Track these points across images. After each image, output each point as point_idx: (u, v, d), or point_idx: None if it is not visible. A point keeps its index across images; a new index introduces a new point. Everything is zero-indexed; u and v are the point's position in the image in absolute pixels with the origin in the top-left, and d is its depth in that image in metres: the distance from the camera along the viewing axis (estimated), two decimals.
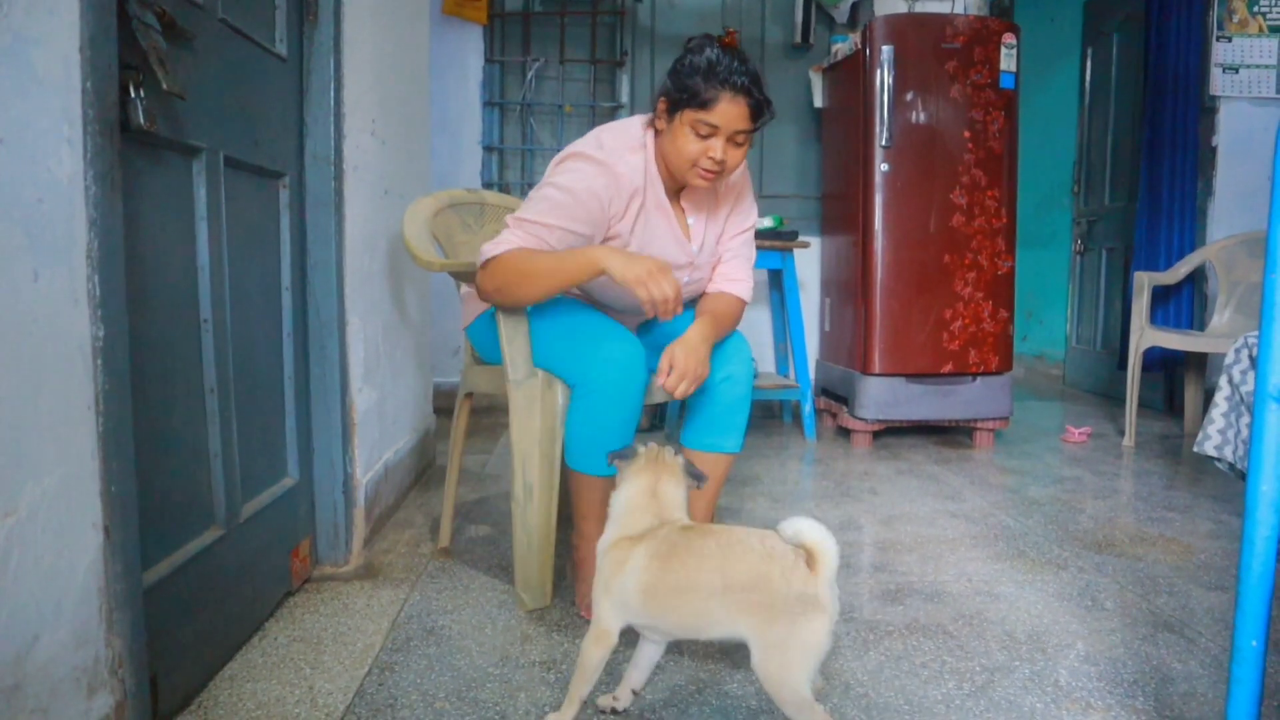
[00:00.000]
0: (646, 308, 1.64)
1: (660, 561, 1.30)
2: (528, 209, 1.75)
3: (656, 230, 1.85)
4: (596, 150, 1.79)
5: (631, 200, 1.80)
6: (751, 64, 1.74)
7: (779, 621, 1.20)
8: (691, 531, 1.35)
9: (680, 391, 1.74)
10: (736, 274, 1.99)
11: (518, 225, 1.73)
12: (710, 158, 1.74)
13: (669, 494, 1.41)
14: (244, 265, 1.63)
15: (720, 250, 1.98)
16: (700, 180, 1.79)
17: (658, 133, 1.82)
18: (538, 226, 1.72)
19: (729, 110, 1.71)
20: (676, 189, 1.88)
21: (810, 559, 1.20)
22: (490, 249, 1.72)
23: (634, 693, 1.44)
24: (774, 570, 1.21)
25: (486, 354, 2.02)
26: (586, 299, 1.91)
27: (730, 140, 1.74)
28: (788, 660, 1.19)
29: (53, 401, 1.01)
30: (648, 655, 1.43)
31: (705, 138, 1.73)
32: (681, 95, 1.72)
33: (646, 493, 1.41)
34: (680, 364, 1.74)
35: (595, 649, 1.33)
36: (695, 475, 1.48)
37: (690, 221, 1.91)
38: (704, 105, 1.71)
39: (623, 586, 1.32)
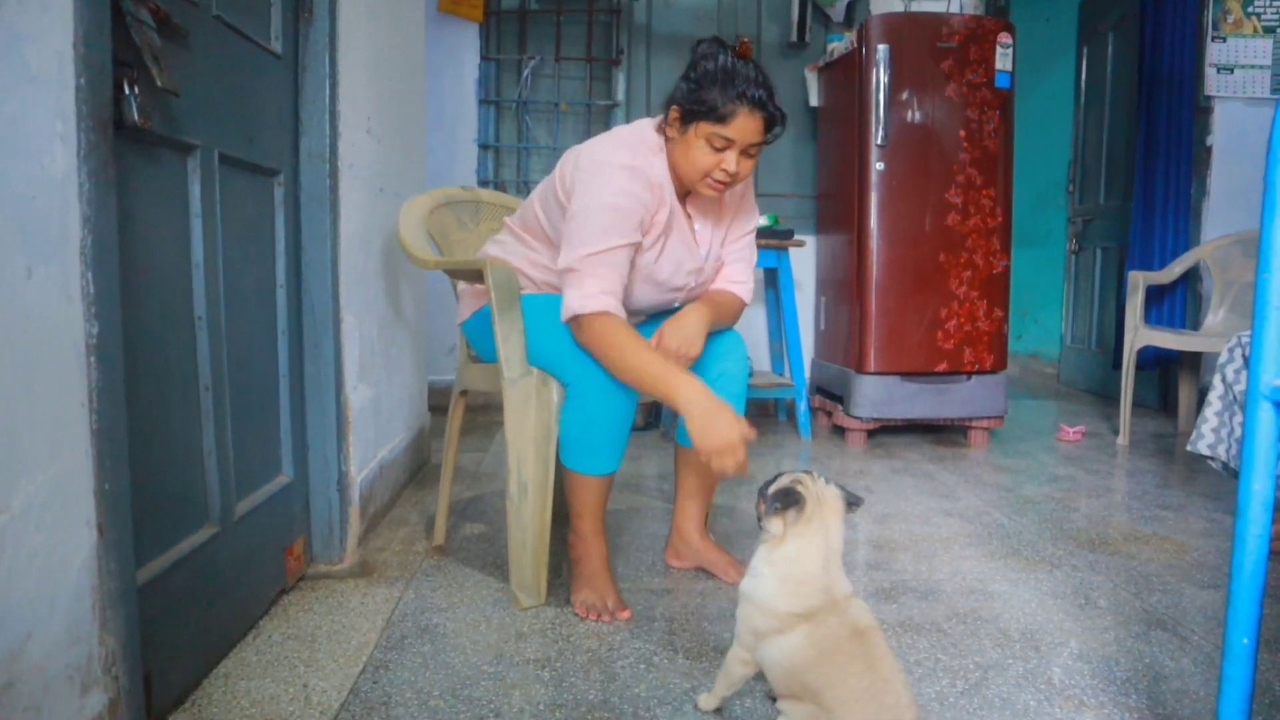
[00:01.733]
0: (714, 470, 1.62)
1: (816, 654, 1.24)
2: (585, 237, 1.70)
3: (674, 238, 1.85)
4: (630, 157, 1.75)
5: (660, 208, 1.80)
6: (766, 75, 1.73)
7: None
8: (859, 640, 1.24)
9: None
10: (739, 276, 2.00)
11: (586, 264, 1.69)
12: (723, 169, 1.73)
13: (837, 549, 1.30)
14: (238, 263, 1.63)
15: (724, 253, 1.98)
16: (710, 191, 1.79)
17: (667, 139, 1.80)
18: (604, 255, 1.70)
19: (745, 124, 1.70)
20: (683, 194, 1.88)
21: None
22: (579, 303, 1.69)
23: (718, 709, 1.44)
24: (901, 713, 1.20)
25: (482, 350, 2.02)
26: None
27: (743, 152, 1.74)
28: None
29: (46, 399, 1.01)
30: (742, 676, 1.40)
31: (720, 150, 1.72)
32: (697, 107, 1.70)
33: (820, 559, 1.29)
34: (666, 340, 1.77)
35: (740, 669, 1.35)
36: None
37: (697, 227, 1.90)
38: (721, 119, 1.69)
39: (771, 648, 1.28)
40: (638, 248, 1.77)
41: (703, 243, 1.91)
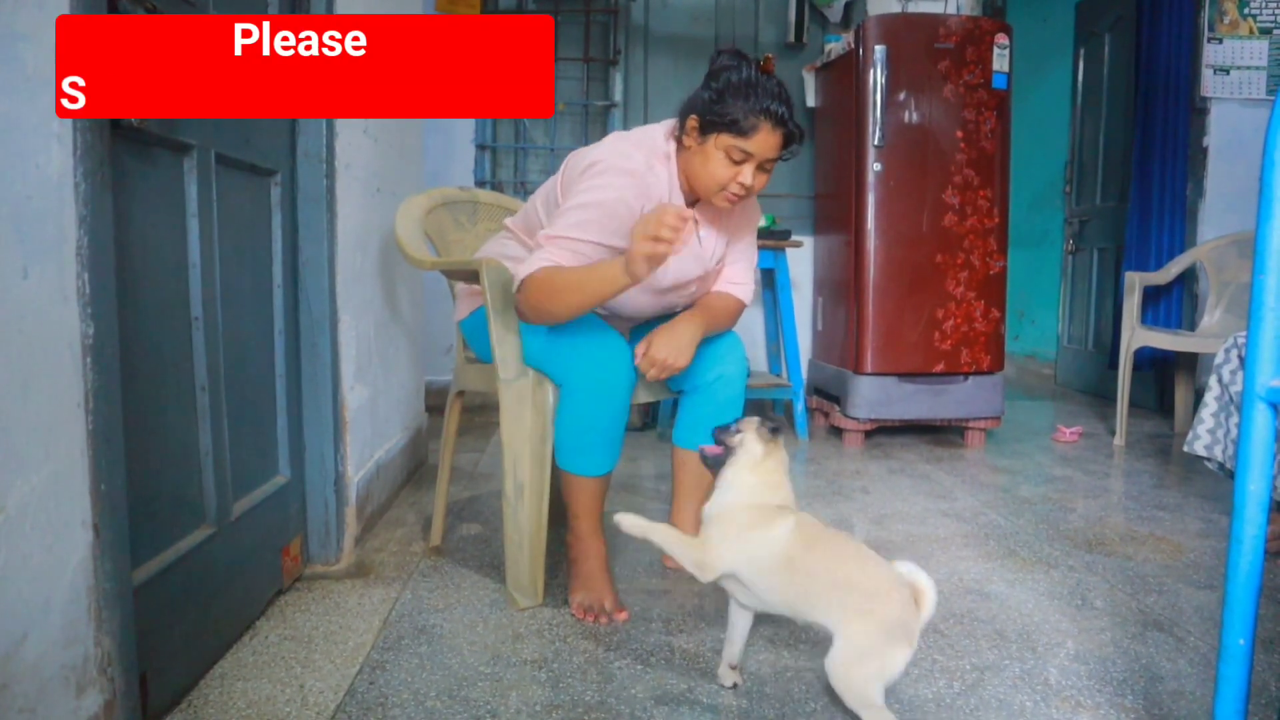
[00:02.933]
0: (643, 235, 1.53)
1: (805, 541, 1.41)
2: (559, 224, 1.72)
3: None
4: (625, 160, 1.75)
5: (635, 203, 1.79)
6: (787, 91, 1.73)
7: (874, 634, 1.31)
8: (832, 529, 1.47)
9: (650, 376, 1.76)
10: (739, 278, 1.99)
11: (549, 242, 1.70)
12: (740, 183, 1.73)
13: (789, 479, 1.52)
14: (235, 263, 1.63)
15: (726, 254, 1.98)
16: (724, 203, 1.79)
17: (682, 147, 1.79)
18: (570, 241, 1.70)
19: (766, 140, 1.70)
20: (692, 201, 1.88)
21: (917, 596, 1.35)
22: (522, 270, 1.69)
23: (732, 668, 1.52)
24: (895, 593, 1.33)
25: (479, 349, 2.02)
26: None
27: (759, 167, 1.74)
28: (866, 670, 1.30)
29: (42, 399, 1.01)
30: (740, 628, 1.51)
31: (738, 163, 1.72)
32: (718, 119, 1.69)
33: (782, 471, 1.51)
34: (655, 350, 1.76)
35: (691, 569, 1.45)
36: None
37: (702, 233, 1.90)
38: (743, 133, 1.69)
39: (760, 546, 1.41)
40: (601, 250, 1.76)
41: (709, 248, 1.91)
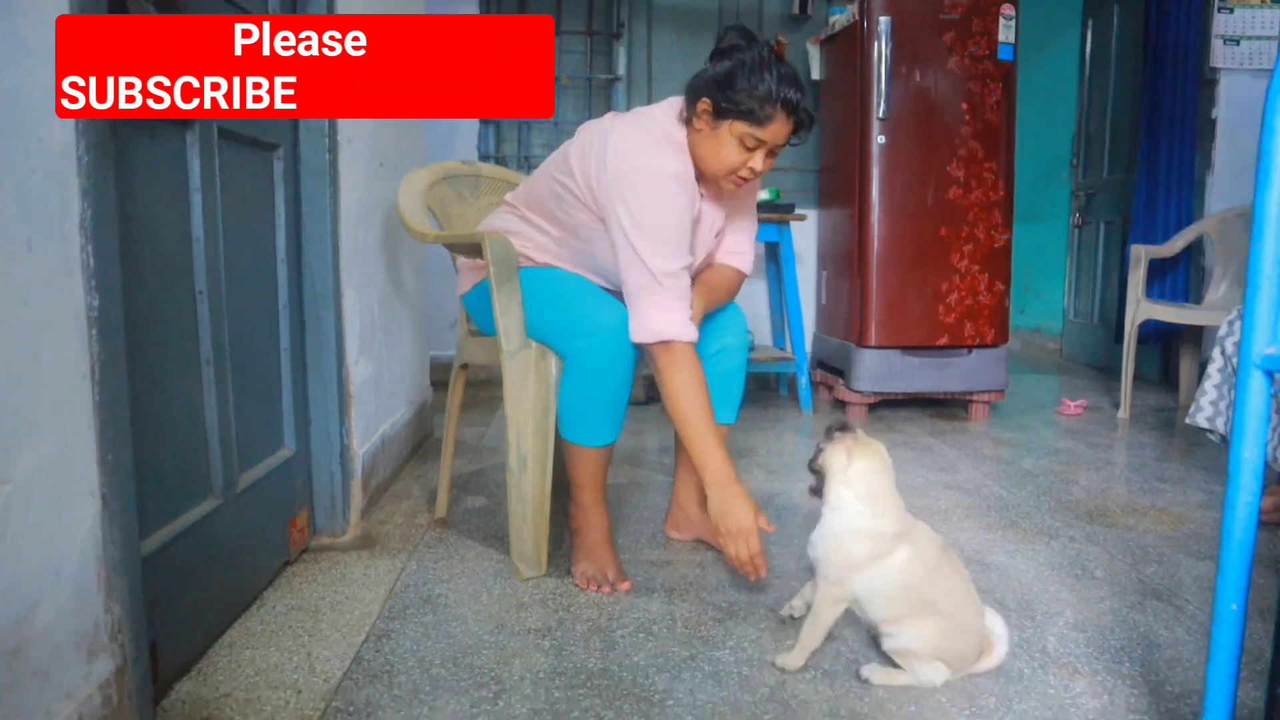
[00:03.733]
0: (728, 557, 1.69)
1: (924, 571, 1.43)
2: (661, 254, 1.69)
3: (700, 222, 1.85)
4: (674, 164, 1.73)
5: (693, 205, 1.79)
6: (799, 75, 1.72)
7: (944, 655, 1.42)
8: (948, 554, 1.48)
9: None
10: (739, 246, 1.99)
11: (670, 284, 1.70)
12: (750, 168, 1.73)
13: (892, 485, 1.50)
14: (239, 237, 1.64)
15: (726, 225, 1.98)
16: (732, 186, 1.78)
17: (691, 128, 1.76)
18: (684, 276, 1.73)
19: (781, 128, 1.70)
20: (695, 179, 1.86)
21: (987, 647, 1.46)
22: (672, 328, 1.70)
23: (808, 603, 1.55)
24: (975, 637, 1.44)
25: (482, 323, 2.02)
26: (585, 273, 1.91)
27: (769, 152, 1.73)
28: (925, 671, 1.42)
29: (49, 371, 1.02)
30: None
31: (750, 150, 1.71)
32: (733, 106, 1.67)
33: (888, 476, 1.48)
34: None
35: (834, 610, 1.47)
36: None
37: (705, 208, 1.88)
38: (758, 122, 1.68)
39: (878, 577, 1.42)
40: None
41: (711, 224, 1.90)
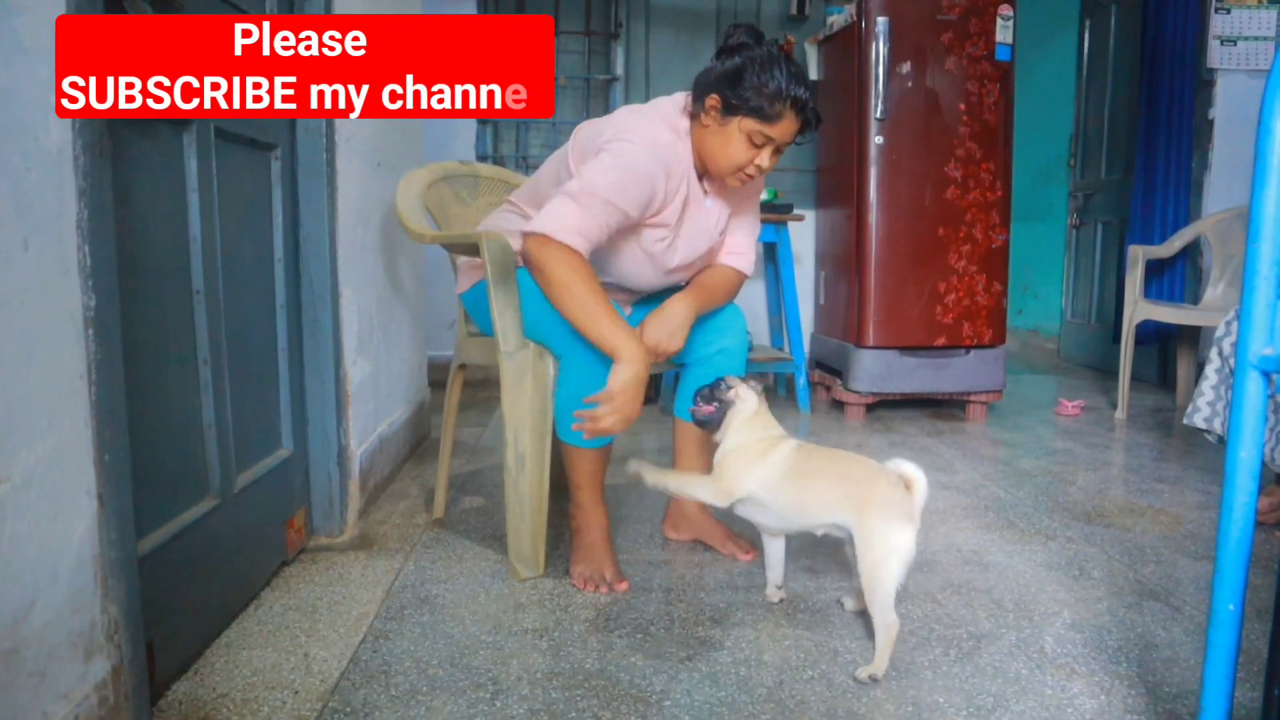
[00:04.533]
0: (591, 412, 1.64)
1: (803, 454, 1.66)
2: (589, 175, 1.66)
3: (694, 221, 1.85)
4: (654, 132, 1.74)
5: (679, 189, 1.79)
6: (806, 74, 1.73)
7: (878, 517, 1.52)
8: (823, 446, 1.75)
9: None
10: (740, 247, 1.99)
11: (579, 199, 1.64)
12: (757, 165, 1.74)
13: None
14: (236, 237, 1.64)
15: (729, 225, 1.98)
16: (737, 183, 1.79)
17: (698, 124, 1.77)
18: (596, 200, 1.65)
19: (789, 126, 1.71)
20: (700, 176, 1.86)
21: (908, 484, 1.56)
22: (547, 224, 1.63)
23: (778, 587, 1.78)
24: (883, 479, 1.56)
25: (481, 322, 2.02)
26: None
27: (776, 150, 1.74)
28: (884, 554, 1.49)
29: (45, 370, 1.02)
30: (775, 552, 1.77)
31: (758, 146, 1.72)
32: (743, 103, 1.68)
33: (772, 418, 1.74)
34: (648, 336, 1.78)
35: (709, 497, 1.69)
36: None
37: (708, 204, 1.89)
38: (768, 119, 1.68)
39: (768, 468, 1.64)
40: (634, 226, 1.77)
41: (715, 223, 1.90)
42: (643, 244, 1.82)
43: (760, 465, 1.65)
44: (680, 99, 1.82)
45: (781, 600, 1.76)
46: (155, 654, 1.31)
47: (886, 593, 1.48)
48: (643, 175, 1.71)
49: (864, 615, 1.64)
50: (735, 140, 1.72)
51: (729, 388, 1.73)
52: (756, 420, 1.71)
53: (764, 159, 1.73)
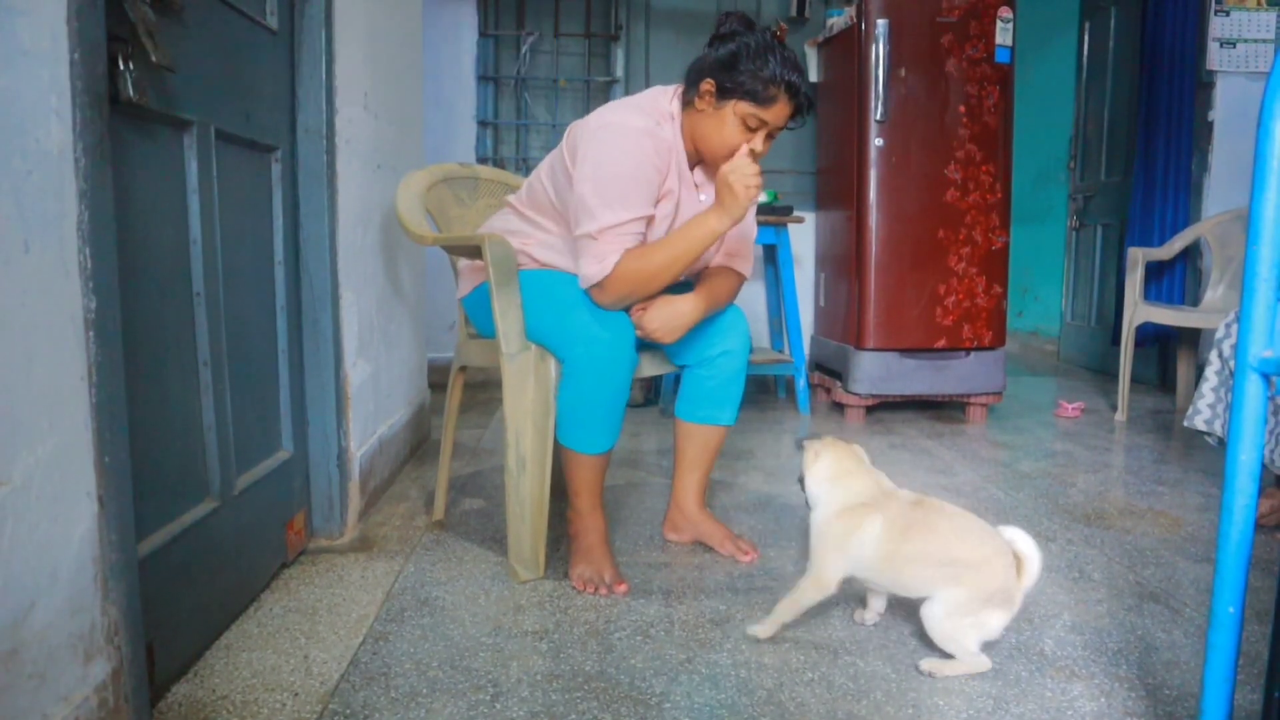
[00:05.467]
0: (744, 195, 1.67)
1: (899, 533, 1.49)
2: (603, 213, 1.69)
3: (685, 207, 1.85)
4: (637, 119, 1.74)
5: (671, 172, 1.80)
6: (800, 61, 1.75)
7: (975, 600, 1.43)
8: (924, 507, 1.53)
9: (638, 334, 1.80)
10: (738, 250, 2.00)
11: (605, 237, 1.69)
12: (751, 149, 1.74)
13: (866, 458, 1.63)
14: (236, 239, 1.64)
15: None
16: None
17: (692, 109, 1.77)
18: (623, 228, 1.70)
19: (783, 110, 1.72)
20: (694, 164, 1.87)
21: (1019, 566, 1.46)
22: (595, 271, 1.70)
23: (879, 613, 1.67)
24: (996, 560, 1.45)
25: (482, 326, 2.02)
26: (572, 267, 1.90)
27: (770, 134, 1.74)
28: (964, 625, 1.44)
29: (45, 372, 1.02)
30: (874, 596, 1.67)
31: (753, 130, 1.73)
32: (737, 86, 1.69)
33: (847, 462, 1.59)
34: (649, 318, 1.80)
35: (814, 594, 1.55)
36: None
37: (702, 198, 1.89)
38: (762, 102, 1.70)
39: (859, 551, 1.51)
40: (649, 220, 1.78)
41: None
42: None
43: (847, 548, 1.52)
44: (670, 88, 1.84)
45: (875, 622, 1.67)
46: (155, 656, 1.31)
47: (965, 650, 1.46)
48: (640, 171, 1.72)
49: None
50: (729, 124, 1.73)
51: (801, 449, 1.65)
52: (826, 480, 1.58)
53: (758, 143, 1.74)
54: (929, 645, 1.59)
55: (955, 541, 1.48)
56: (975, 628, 1.45)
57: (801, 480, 1.63)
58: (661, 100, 1.82)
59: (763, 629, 1.58)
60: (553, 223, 1.89)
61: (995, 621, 1.45)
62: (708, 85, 1.73)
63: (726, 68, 1.71)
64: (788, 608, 1.57)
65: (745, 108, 1.71)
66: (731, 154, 1.75)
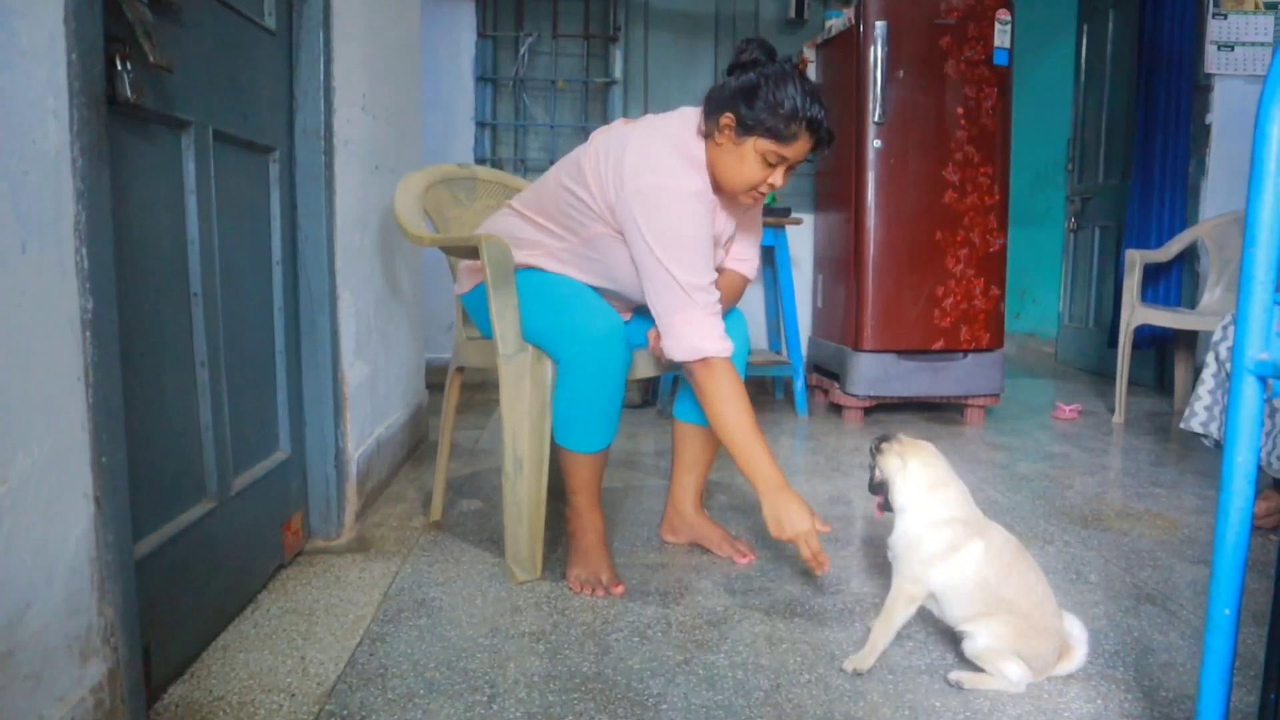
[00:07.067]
0: (802, 555, 1.69)
1: (1001, 567, 1.44)
2: (690, 270, 1.69)
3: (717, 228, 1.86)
4: (688, 179, 1.71)
5: (712, 222, 1.80)
6: (820, 93, 1.72)
7: (1019, 658, 1.41)
8: (1018, 550, 1.48)
9: (663, 360, 1.82)
10: (744, 253, 2.00)
11: (702, 299, 1.70)
12: (770, 184, 1.73)
13: (951, 474, 1.55)
14: (234, 239, 1.64)
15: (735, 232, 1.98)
16: (750, 200, 1.79)
17: (711, 142, 1.74)
18: (711, 290, 1.72)
19: (804, 146, 1.70)
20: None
21: (1065, 650, 1.46)
22: (708, 345, 1.70)
23: None
24: (1054, 637, 1.43)
25: (481, 324, 2.01)
26: (601, 283, 1.90)
27: (789, 167, 1.74)
28: (1008, 670, 1.42)
29: (42, 373, 1.02)
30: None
31: (772, 166, 1.71)
32: (758, 124, 1.67)
33: (944, 467, 1.54)
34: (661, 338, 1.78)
35: (906, 608, 1.49)
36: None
37: (718, 217, 1.87)
38: (783, 140, 1.68)
39: (959, 570, 1.44)
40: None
41: (722, 232, 1.89)
42: None
43: (950, 564, 1.45)
44: (692, 119, 1.78)
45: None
46: (152, 657, 1.31)
47: (1006, 677, 1.43)
48: (704, 236, 1.72)
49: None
50: (750, 160, 1.70)
51: (873, 467, 1.57)
52: (925, 488, 1.50)
53: (777, 178, 1.73)
54: (928, 645, 1.59)
55: (1037, 605, 1.43)
56: (1002, 682, 1.43)
57: (881, 485, 1.55)
58: (689, 142, 1.76)
59: (864, 660, 1.49)
60: (565, 233, 1.85)
61: (1020, 678, 1.42)
62: (728, 120, 1.70)
63: (747, 101, 1.67)
64: (882, 630, 1.49)
65: (766, 144, 1.68)
66: (751, 188, 1.74)
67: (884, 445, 1.56)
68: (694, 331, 1.70)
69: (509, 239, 1.90)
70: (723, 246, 1.93)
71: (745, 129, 1.68)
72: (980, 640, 1.43)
